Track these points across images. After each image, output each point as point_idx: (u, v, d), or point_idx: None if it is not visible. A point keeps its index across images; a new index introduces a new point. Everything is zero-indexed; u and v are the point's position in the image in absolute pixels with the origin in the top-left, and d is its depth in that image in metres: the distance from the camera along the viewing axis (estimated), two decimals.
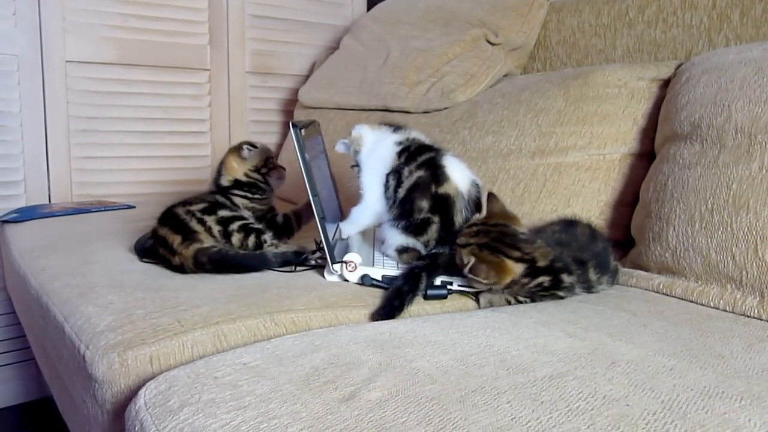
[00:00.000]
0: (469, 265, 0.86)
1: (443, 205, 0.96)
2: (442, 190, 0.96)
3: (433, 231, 0.96)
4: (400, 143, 1.03)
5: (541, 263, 0.87)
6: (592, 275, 0.92)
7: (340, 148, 1.11)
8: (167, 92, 1.90)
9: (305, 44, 2.14)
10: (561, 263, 0.89)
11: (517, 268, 0.86)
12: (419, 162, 0.98)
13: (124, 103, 1.84)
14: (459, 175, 0.98)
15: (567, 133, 1.22)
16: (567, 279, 0.89)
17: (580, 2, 1.53)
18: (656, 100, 1.18)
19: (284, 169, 1.20)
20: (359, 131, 1.08)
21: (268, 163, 1.17)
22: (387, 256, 1.04)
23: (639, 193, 1.11)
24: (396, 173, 1.00)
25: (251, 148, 1.16)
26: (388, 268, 0.98)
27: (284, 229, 1.17)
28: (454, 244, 0.91)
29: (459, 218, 0.96)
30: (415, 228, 0.97)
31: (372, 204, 1.03)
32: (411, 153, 1.00)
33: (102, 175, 1.83)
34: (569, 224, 1.01)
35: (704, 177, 0.94)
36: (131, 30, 1.82)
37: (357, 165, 1.07)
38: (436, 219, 0.96)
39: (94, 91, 1.79)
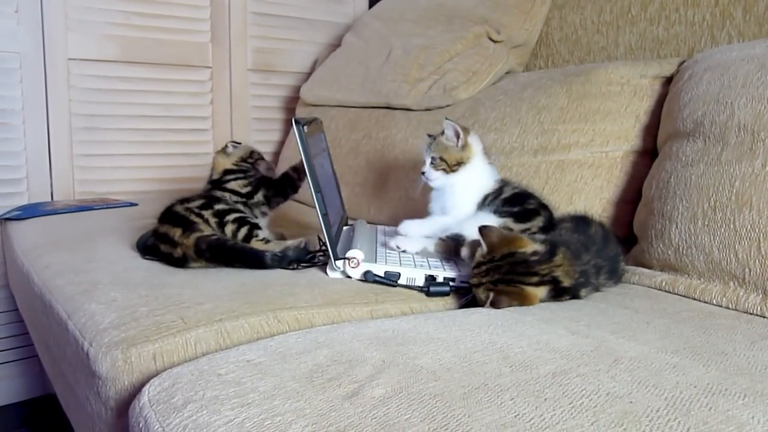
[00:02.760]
0: (489, 301, 0.83)
1: (547, 208, 1.06)
2: (544, 200, 1.07)
3: (538, 221, 1.02)
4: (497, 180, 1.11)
5: (566, 283, 0.84)
6: (602, 280, 0.91)
7: (448, 127, 1.08)
8: (169, 90, 1.91)
9: (307, 41, 2.14)
10: (583, 279, 0.86)
11: (540, 292, 0.84)
12: (514, 185, 1.10)
13: (127, 100, 1.84)
14: None
15: (569, 131, 1.22)
16: (583, 292, 0.88)
17: None
18: (659, 98, 1.17)
19: (271, 162, 1.25)
20: (475, 142, 1.10)
21: (254, 155, 1.22)
22: (391, 248, 1.06)
23: (641, 191, 1.11)
24: (497, 191, 1.08)
25: (235, 144, 1.22)
26: (390, 264, 0.98)
27: (283, 184, 1.19)
28: (471, 283, 0.89)
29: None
30: (525, 214, 1.03)
31: (458, 217, 1.07)
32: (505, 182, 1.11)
33: (104, 172, 1.83)
34: (581, 222, 0.99)
35: (707, 174, 0.94)
36: (133, 27, 1.82)
37: (441, 163, 1.08)
38: (544, 213, 1.04)
39: (96, 89, 1.79)
